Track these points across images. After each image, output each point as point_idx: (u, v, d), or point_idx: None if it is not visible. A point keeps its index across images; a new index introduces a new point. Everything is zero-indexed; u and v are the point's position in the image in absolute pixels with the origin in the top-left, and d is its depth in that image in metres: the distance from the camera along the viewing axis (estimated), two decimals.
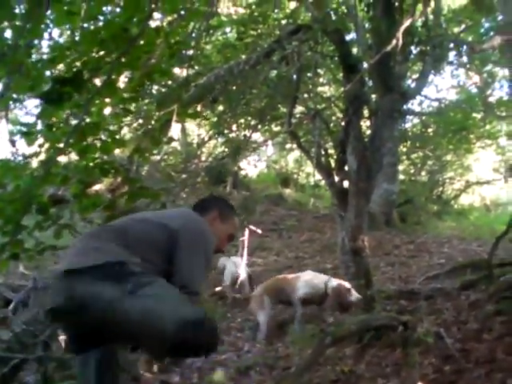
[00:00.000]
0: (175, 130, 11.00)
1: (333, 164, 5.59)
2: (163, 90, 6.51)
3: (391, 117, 5.55)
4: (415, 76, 8.83)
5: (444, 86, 22.22)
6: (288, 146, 13.13)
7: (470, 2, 7.92)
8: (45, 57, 2.97)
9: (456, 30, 9.21)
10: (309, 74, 6.94)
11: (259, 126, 8.85)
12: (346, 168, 5.29)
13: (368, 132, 6.37)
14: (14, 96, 3.11)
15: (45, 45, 3.65)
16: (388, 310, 4.42)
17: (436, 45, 6.14)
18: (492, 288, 4.08)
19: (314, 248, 8.70)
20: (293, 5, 7.62)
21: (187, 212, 2.51)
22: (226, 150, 8.97)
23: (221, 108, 7.95)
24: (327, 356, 3.53)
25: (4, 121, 3.63)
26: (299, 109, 8.42)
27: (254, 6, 7.35)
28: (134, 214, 2.50)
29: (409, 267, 6.80)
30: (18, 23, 2.40)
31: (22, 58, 2.45)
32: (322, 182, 8.59)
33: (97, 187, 5.08)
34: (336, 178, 5.46)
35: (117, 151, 3.95)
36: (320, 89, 9.50)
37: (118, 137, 3.24)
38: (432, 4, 6.79)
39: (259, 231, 6.33)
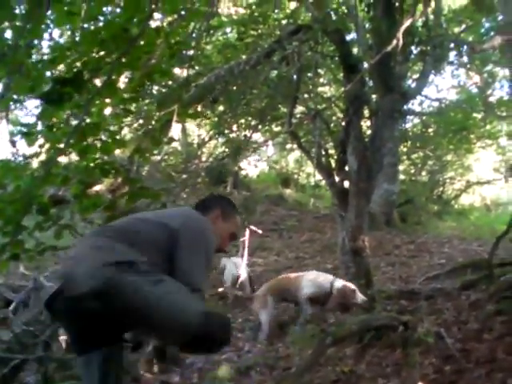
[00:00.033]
0: (175, 130, 11.01)
1: (333, 164, 5.60)
2: (163, 90, 6.52)
3: (392, 117, 5.55)
4: (416, 76, 8.82)
5: (444, 86, 22.25)
6: (288, 146, 13.13)
7: (470, 2, 7.92)
8: (45, 57, 2.97)
9: (456, 30, 9.21)
10: (309, 74, 6.95)
11: (260, 126, 8.85)
12: (347, 168, 5.29)
13: (368, 132, 6.37)
14: (15, 96, 3.11)
15: (45, 45, 3.66)
16: (388, 310, 4.42)
17: (436, 45, 6.13)
18: (492, 288, 4.08)
19: (315, 248, 8.70)
20: (293, 5, 7.61)
21: (188, 211, 2.51)
22: (227, 150, 8.97)
23: (221, 108, 7.96)
24: (328, 356, 3.53)
25: (4, 121, 3.64)
26: (299, 109, 8.42)
27: (254, 6, 7.35)
28: (135, 214, 2.50)
29: (409, 267, 6.80)
30: (18, 23, 2.40)
31: (22, 58, 2.45)
32: (323, 182, 8.60)
33: (97, 188, 5.08)
34: (336, 178, 5.47)
35: (117, 151, 3.95)
36: (320, 89, 9.50)
37: (118, 137, 3.24)
38: (432, 4, 6.78)
39: (259, 231, 6.32)
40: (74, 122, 2.85)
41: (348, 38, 6.11)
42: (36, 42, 2.70)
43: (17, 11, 2.40)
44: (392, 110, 5.42)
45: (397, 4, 5.57)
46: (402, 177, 12.35)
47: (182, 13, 3.55)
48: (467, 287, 4.60)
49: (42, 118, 2.88)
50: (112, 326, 2.09)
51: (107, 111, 3.31)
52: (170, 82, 5.97)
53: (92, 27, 2.65)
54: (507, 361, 2.85)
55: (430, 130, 12.73)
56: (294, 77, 6.10)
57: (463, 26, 9.27)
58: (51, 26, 2.96)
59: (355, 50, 6.42)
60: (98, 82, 2.79)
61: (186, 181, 7.64)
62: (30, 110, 8.40)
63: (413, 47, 6.21)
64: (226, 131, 8.55)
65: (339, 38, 5.25)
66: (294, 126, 6.25)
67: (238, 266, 5.93)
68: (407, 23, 4.31)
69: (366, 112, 6.00)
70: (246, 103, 7.53)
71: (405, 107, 7.33)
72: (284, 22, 7.21)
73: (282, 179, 14.50)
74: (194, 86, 5.75)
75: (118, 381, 2.18)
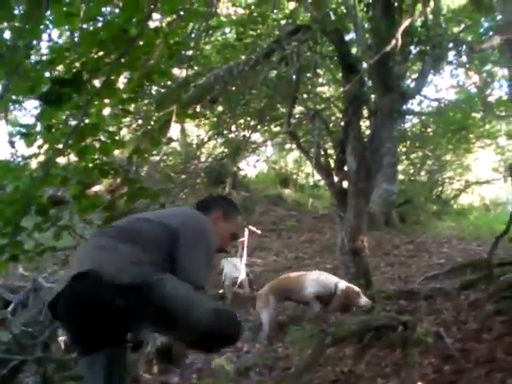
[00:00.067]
0: (174, 130, 11.00)
1: (332, 164, 5.60)
2: (162, 90, 6.51)
3: (391, 117, 5.55)
4: (414, 76, 8.82)
5: (443, 85, 22.25)
6: (287, 146, 13.13)
7: (469, 2, 7.92)
8: (44, 58, 2.97)
9: (455, 29, 9.20)
10: (308, 75, 6.94)
11: (259, 127, 8.85)
12: (346, 168, 5.29)
13: (367, 132, 6.37)
14: (14, 97, 3.10)
15: (44, 46, 3.65)
16: (388, 310, 4.42)
17: (435, 45, 6.14)
18: (492, 288, 4.08)
19: (314, 248, 8.70)
20: (292, 5, 7.61)
21: (187, 211, 2.52)
22: (226, 150, 8.97)
23: (220, 108, 7.96)
24: (327, 356, 3.53)
25: (3, 122, 3.63)
26: (298, 109, 8.42)
27: (253, 7, 7.36)
28: (134, 215, 2.50)
29: (408, 267, 6.81)
30: (17, 24, 2.40)
31: (21, 59, 2.44)
32: (322, 183, 8.61)
33: (96, 188, 5.07)
34: (335, 179, 5.47)
35: (116, 152, 3.95)
36: (319, 89, 9.50)
37: (117, 138, 3.24)
38: (431, 4, 6.79)
39: (258, 231, 6.33)
40: (73, 123, 2.85)
41: (347, 38, 6.12)
42: (35, 42, 2.69)
43: (16, 12, 2.40)
44: (391, 109, 5.42)
45: (396, 4, 5.58)
46: (401, 177, 12.35)
47: (181, 13, 3.55)
48: (466, 287, 4.60)
49: (41, 119, 2.88)
50: (121, 325, 2.09)
51: (106, 112, 3.30)
52: (169, 83, 5.96)
53: (91, 28, 2.65)
54: (507, 361, 2.86)
55: (429, 129, 12.73)
56: (293, 77, 6.11)
57: (462, 26, 9.26)
58: (50, 26, 2.96)
59: (354, 50, 6.43)
60: (97, 82, 2.79)
61: (185, 181, 7.65)
62: (29, 110, 8.39)
63: (412, 47, 6.22)
64: (225, 131, 8.56)
65: (338, 38, 5.25)
66: (293, 126, 6.25)
67: (237, 267, 5.92)
68: (406, 23, 4.31)
69: (365, 112, 6.00)
70: (245, 103, 7.53)
71: (404, 107, 7.34)
72: (283, 22, 7.21)
73: (281, 179, 14.50)
74: (193, 86, 5.75)
75: (121, 381, 2.18)
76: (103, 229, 2.40)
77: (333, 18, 5.78)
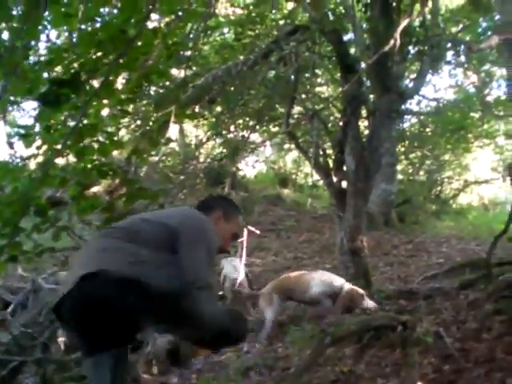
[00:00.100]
0: (173, 131, 10.99)
1: (331, 164, 5.61)
2: (161, 91, 6.51)
3: (389, 117, 5.56)
4: (413, 76, 8.84)
5: (442, 85, 22.22)
6: (286, 146, 13.14)
7: (467, 2, 7.94)
8: (42, 59, 2.97)
9: (454, 29, 9.22)
10: (307, 75, 6.95)
11: (257, 127, 8.86)
12: (344, 168, 5.30)
13: (366, 132, 6.37)
14: (12, 98, 3.10)
15: (42, 46, 3.65)
16: (387, 309, 4.42)
17: (434, 44, 6.15)
18: (491, 287, 4.08)
19: (313, 248, 8.70)
20: (290, 5, 7.62)
21: (187, 210, 2.52)
22: (225, 150, 8.98)
23: (219, 109, 7.96)
24: (327, 356, 3.53)
25: (2, 123, 3.63)
26: (297, 109, 8.42)
27: (251, 7, 7.36)
28: (136, 215, 2.50)
29: (407, 267, 6.81)
30: (15, 25, 2.40)
31: (19, 59, 2.44)
32: (321, 182, 8.61)
33: (95, 189, 5.07)
34: (334, 179, 5.47)
35: (115, 153, 3.95)
36: (318, 89, 9.51)
37: (115, 138, 3.24)
38: (429, 4, 6.80)
39: (257, 232, 6.32)
40: (72, 124, 2.84)
41: (345, 38, 6.13)
42: (33, 43, 2.70)
43: (14, 12, 2.39)
44: (390, 109, 5.43)
45: (394, 4, 5.58)
46: (399, 176, 12.35)
47: (180, 13, 3.55)
48: (465, 287, 4.59)
49: (40, 120, 2.88)
50: (130, 325, 2.09)
51: (105, 112, 3.30)
52: (168, 83, 5.96)
53: (89, 28, 2.65)
54: (506, 360, 2.85)
55: (428, 129, 12.74)
56: (292, 77, 6.11)
57: (460, 26, 9.28)
58: (48, 27, 2.96)
59: (352, 50, 6.44)
60: (95, 83, 2.79)
61: (183, 181, 7.66)
62: (27, 111, 8.37)
63: (410, 47, 6.23)
64: (224, 132, 8.56)
65: (336, 39, 5.26)
66: (291, 127, 6.26)
67: (236, 268, 5.91)
68: (404, 23, 4.31)
69: (364, 112, 6.00)
70: (243, 104, 7.54)
71: (402, 107, 7.36)
72: (281, 22, 7.21)
73: (280, 179, 14.50)
74: (192, 86, 5.75)
75: (123, 382, 2.18)
76: (105, 230, 2.39)
77: (331, 18, 5.79)
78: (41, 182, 2.82)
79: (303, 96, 7.36)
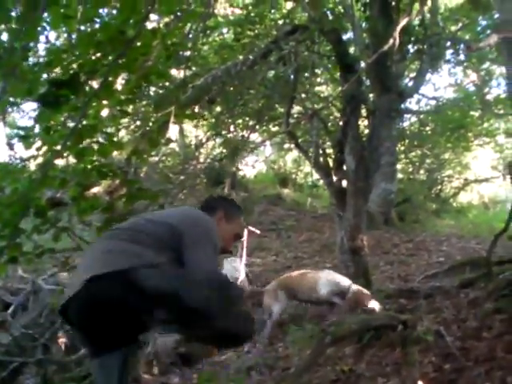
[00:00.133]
0: (173, 131, 10.99)
1: (331, 164, 5.61)
2: (160, 91, 6.51)
3: (389, 116, 5.56)
4: (413, 75, 8.86)
5: (441, 84, 22.33)
6: (286, 146, 13.14)
7: (466, 1, 7.94)
8: (41, 60, 2.97)
9: (453, 28, 9.23)
10: (306, 74, 6.95)
11: (257, 127, 8.86)
12: (344, 168, 5.30)
13: (366, 131, 6.38)
14: (11, 99, 3.10)
15: (41, 48, 3.65)
16: (387, 308, 4.42)
17: (433, 43, 6.15)
18: (491, 286, 4.08)
19: (313, 248, 8.70)
20: (289, 5, 7.62)
21: (188, 210, 2.52)
22: (224, 150, 8.98)
23: (218, 109, 7.96)
24: (327, 356, 3.53)
25: (1, 124, 3.63)
26: (297, 109, 8.43)
27: (250, 7, 7.36)
28: (138, 216, 2.51)
29: (408, 266, 6.80)
30: (14, 26, 2.40)
31: (18, 60, 2.44)
32: (321, 182, 8.60)
33: (95, 190, 5.06)
34: (334, 178, 5.47)
35: (114, 153, 3.95)
36: (317, 89, 9.52)
37: (115, 139, 3.24)
38: (429, 3, 6.80)
39: (258, 231, 6.33)
40: (71, 125, 2.84)
41: (344, 37, 6.14)
42: (32, 44, 2.69)
43: (13, 13, 2.39)
44: (389, 109, 5.42)
45: (393, 3, 5.58)
46: (399, 176, 12.36)
47: (179, 14, 3.55)
48: (466, 285, 4.59)
49: (39, 121, 2.88)
50: (138, 325, 2.11)
51: (104, 113, 3.30)
52: (167, 84, 5.96)
53: (88, 29, 2.65)
54: (506, 359, 2.85)
55: (428, 128, 12.74)
56: (291, 77, 6.11)
57: (460, 25, 9.29)
58: (47, 28, 2.96)
59: (352, 50, 6.45)
60: (94, 84, 2.79)
61: (183, 182, 7.65)
62: (26, 112, 8.37)
63: (409, 46, 6.23)
64: (224, 132, 8.56)
65: (336, 38, 5.26)
66: (291, 126, 6.25)
67: (236, 268, 5.91)
68: (404, 22, 4.31)
69: (364, 111, 6.00)
70: (243, 104, 7.54)
71: (402, 106, 7.37)
72: (280, 22, 7.22)
73: (280, 179, 14.50)
74: (191, 87, 5.75)
75: (127, 382, 2.19)
76: (110, 232, 2.39)
77: (330, 17, 5.81)
78: (41, 183, 2.82)
79: (303, 95, 7.36)
